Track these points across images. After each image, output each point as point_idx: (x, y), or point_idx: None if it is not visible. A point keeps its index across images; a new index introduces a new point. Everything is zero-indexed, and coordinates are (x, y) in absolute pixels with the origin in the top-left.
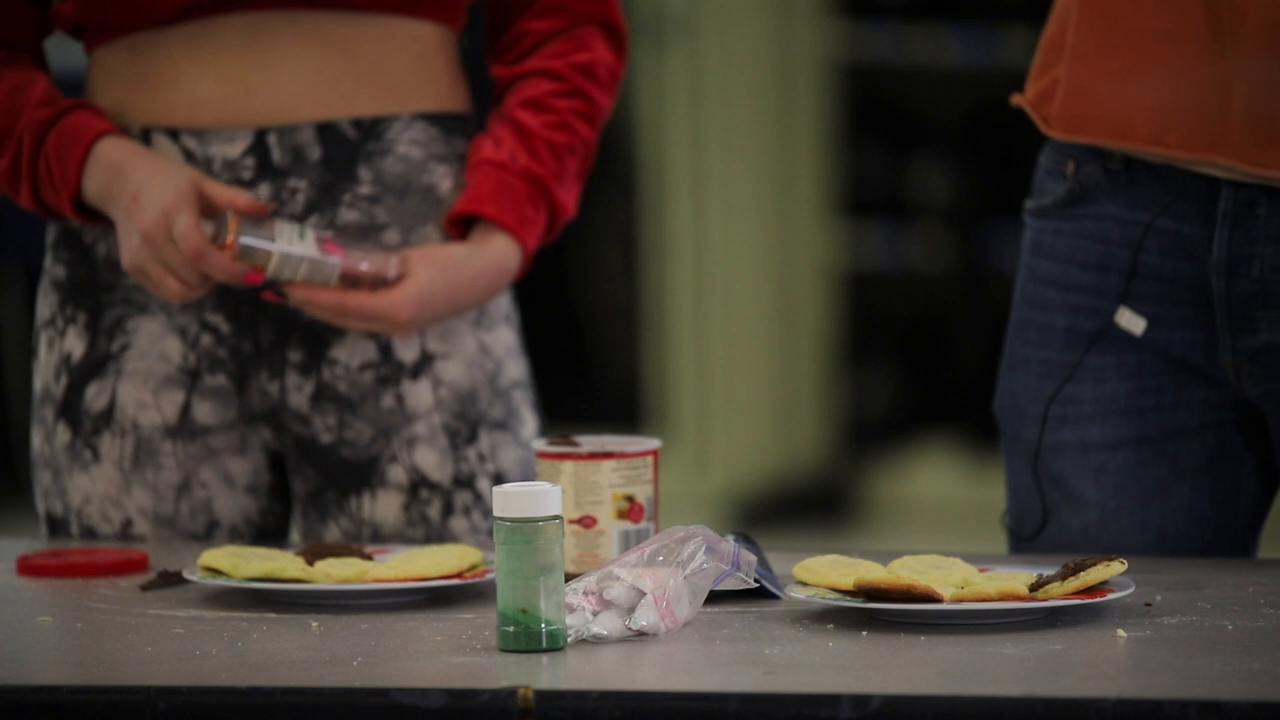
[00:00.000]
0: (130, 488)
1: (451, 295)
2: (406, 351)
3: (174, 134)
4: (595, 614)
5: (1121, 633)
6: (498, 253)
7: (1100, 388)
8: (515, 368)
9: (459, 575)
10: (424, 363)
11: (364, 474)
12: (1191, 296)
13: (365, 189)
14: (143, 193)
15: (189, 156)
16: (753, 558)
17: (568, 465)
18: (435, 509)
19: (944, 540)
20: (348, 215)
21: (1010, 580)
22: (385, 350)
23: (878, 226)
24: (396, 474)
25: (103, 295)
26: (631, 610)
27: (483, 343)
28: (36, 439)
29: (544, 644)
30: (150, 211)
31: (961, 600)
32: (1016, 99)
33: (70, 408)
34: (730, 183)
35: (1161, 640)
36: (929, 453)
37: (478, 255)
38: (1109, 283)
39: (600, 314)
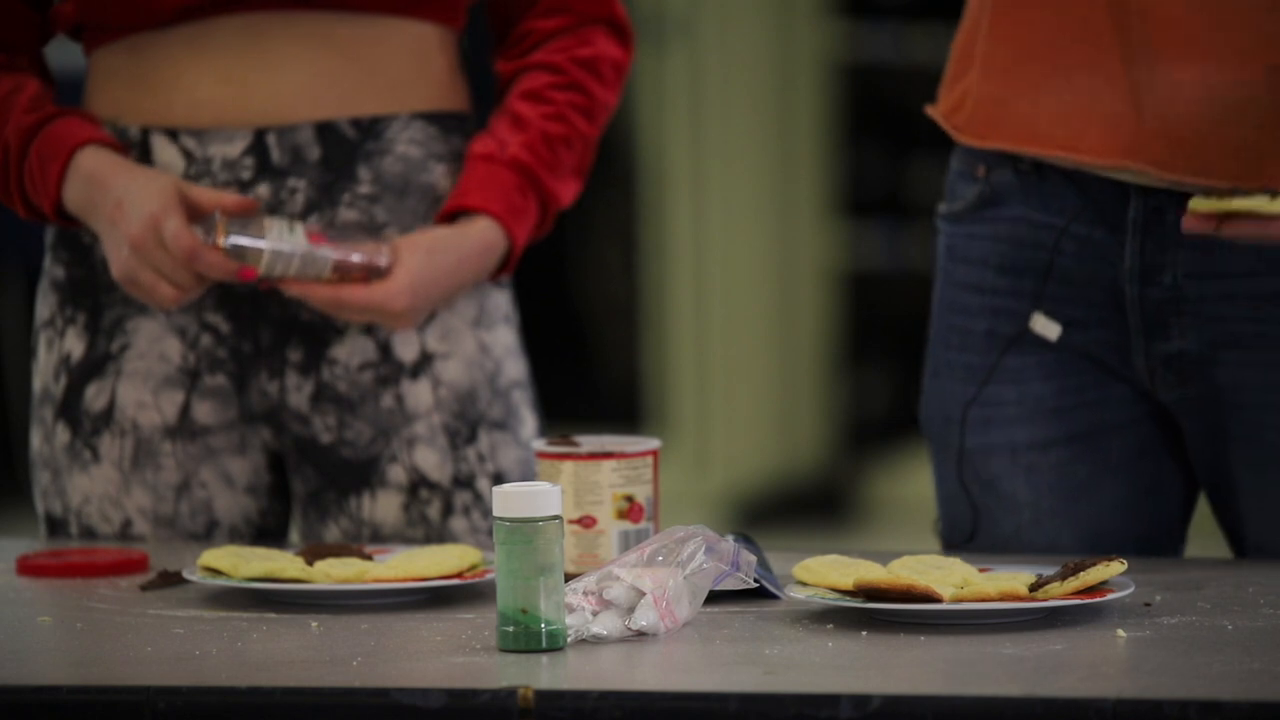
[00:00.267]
0: (130, 488)
1: (442, 279)
2: (406, 351)
3: (173, 134)
4: (595, 614)
5: (1121, 633)
6: (480, 233)
7: (1024, 388)
8: (515, 367)
9: (459, 575)
10: (423, 362)
11: (364, 474)
12: (1106, 300)
13: (364, 188)
14: (126, 201)
15: (188, 156)
16: (752, 558)
17: (567, 465)
18: (435, 509)
19: None
20: (347, 215)
21: (1010, 580)
22: (385, 350)
23: (878, 226)
24: (396, 474)
25: (102, 295)
26: (631, 610)
27: (482, 342)
28: (36, 439)
29: (544, 644)
30: (137, 219)
31: (961, 600)
32: (931, 110)
33: (70, 408)
34: (730, 182)
35: (1161, 640)
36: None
37: (461, 236)
38: (1024, 285)
39: (600, 314)
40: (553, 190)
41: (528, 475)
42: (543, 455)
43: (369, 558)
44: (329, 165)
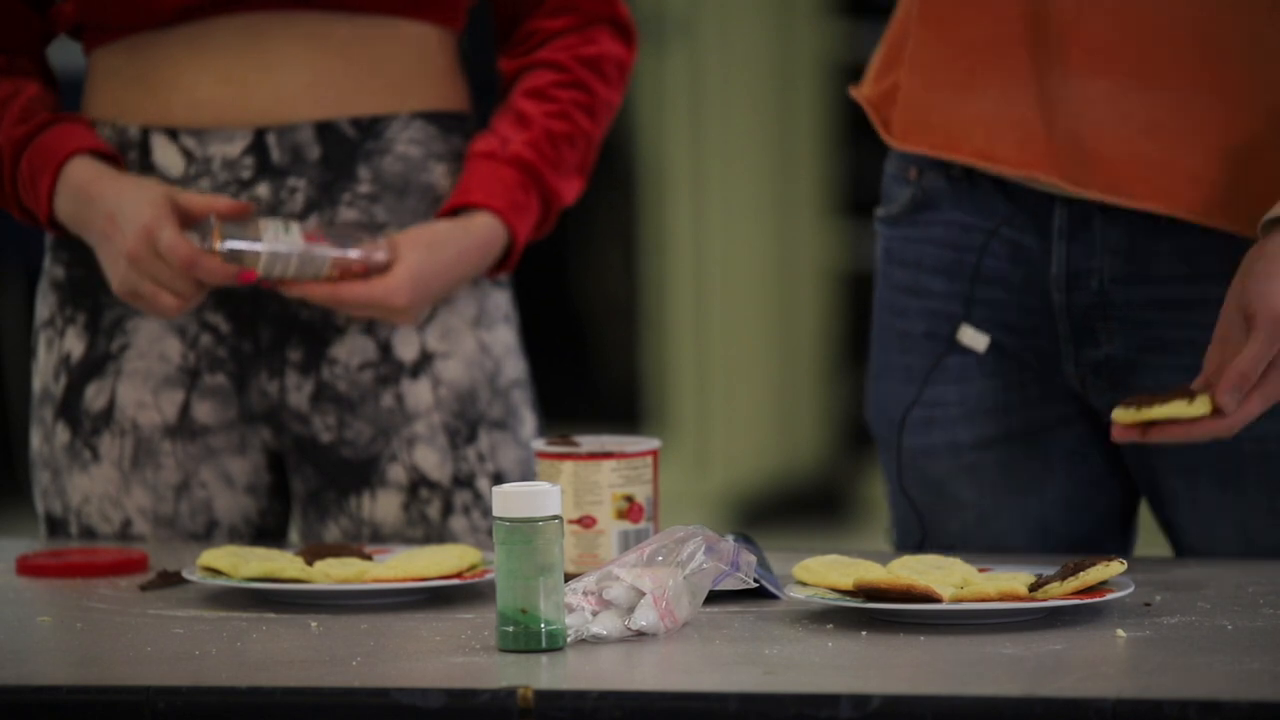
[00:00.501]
0: (129, 487)
1: (442, 274)
2: (406, 351)
3: (173, 133)
4: (595, 614)
5: (1121, 633)
6: (481, 228)
7: (964, 388)
8: (515, 367)
9: (458, 575)
10: (423, 362)
11: (364, 473)
12: (1038, 305)
13: (364, 188)
14: (118, 214)
15: (188, 156)
16: (752, 558)
17: (567, 465)
18: (435, 508)
19: None
20: (347, 214)
21: (1009, 580)
22: (385, 349)
23: None
24: (396, 473)
25: (102, 295)
26: (631, 610)
27: (482, 342)
28: (36, 439)
29: (543, 644)
30: (131, 231)
31: (961, 600)
32: (855, 93)
33: (69, 408)
34: (730, 182)
35: (1161, 640)
36: None
37: (462, 231)
38: (957, 289)
39: (600, 313)
40: (555, 188)
41: (528, 475)
42: (542, 455)
43: (368, 558)
44: (329, 165)
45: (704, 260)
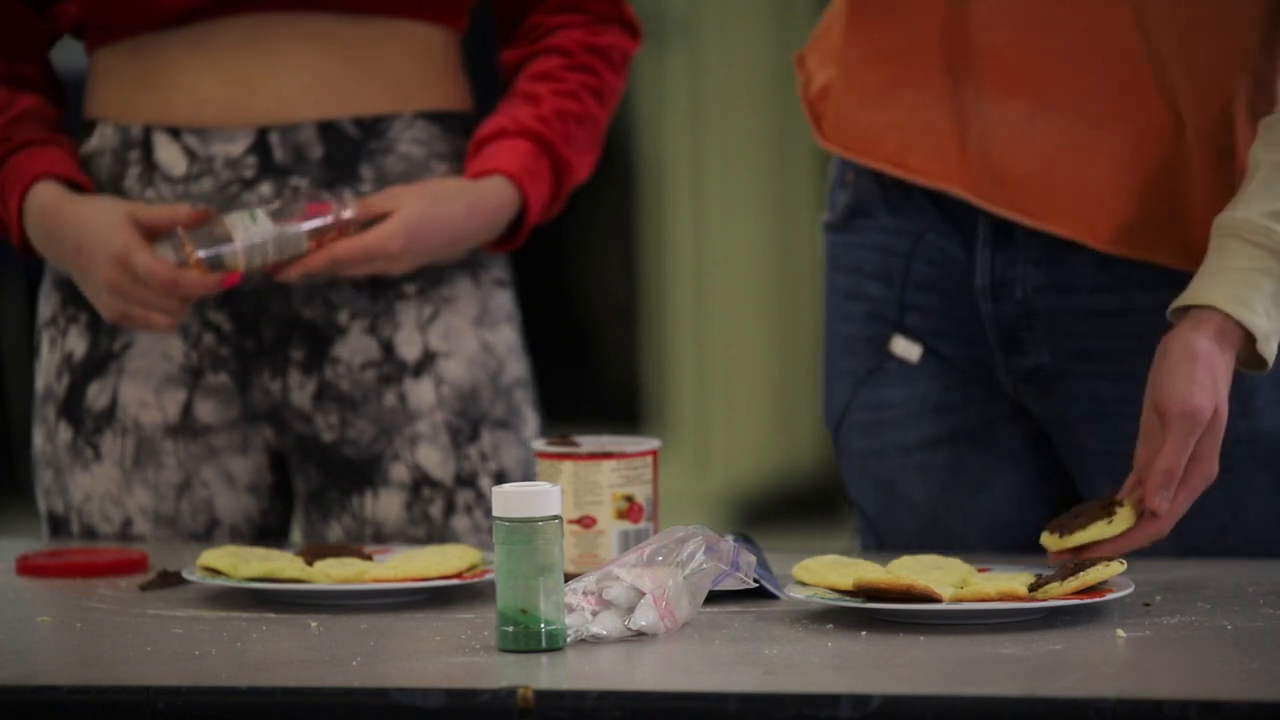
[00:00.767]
0: (131, 486)
1: (445, 226)
2: (409, 350)
3: (175, 132)
4: (595, 614)
5: (1121, 633)
6: (492, 188)
7: (907, 390)
8: (517, 366)
9: (458, 575)
10: (426, 361)
11: (366, 472)
12: (967, 313)
13: (367, 187)
14: (84, 245)
15: (190, 155)
16: (752, 558)
17: (567, 465)
18: (437, 507)
19: None
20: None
21: (1009, 580)
22: (387, 349)
23: None
24: (399, 472)
25: None
26: (631, 610)
27: (485, 341)
28: (38, 438)
29: (543, 644)
30: (103, 262)
31: (961, 600)
32: (802, 93)
33: (72, 406)
34: (730, 182)
35: (1161, 640)
36: None
37: (473, 188)
38: (893, 294)
39: (600, 314)
40: (567, 158)
41: (530, 474)
42: (542, 455)
43: (368, 558)
44: (331, 164)
45: (704, 260)
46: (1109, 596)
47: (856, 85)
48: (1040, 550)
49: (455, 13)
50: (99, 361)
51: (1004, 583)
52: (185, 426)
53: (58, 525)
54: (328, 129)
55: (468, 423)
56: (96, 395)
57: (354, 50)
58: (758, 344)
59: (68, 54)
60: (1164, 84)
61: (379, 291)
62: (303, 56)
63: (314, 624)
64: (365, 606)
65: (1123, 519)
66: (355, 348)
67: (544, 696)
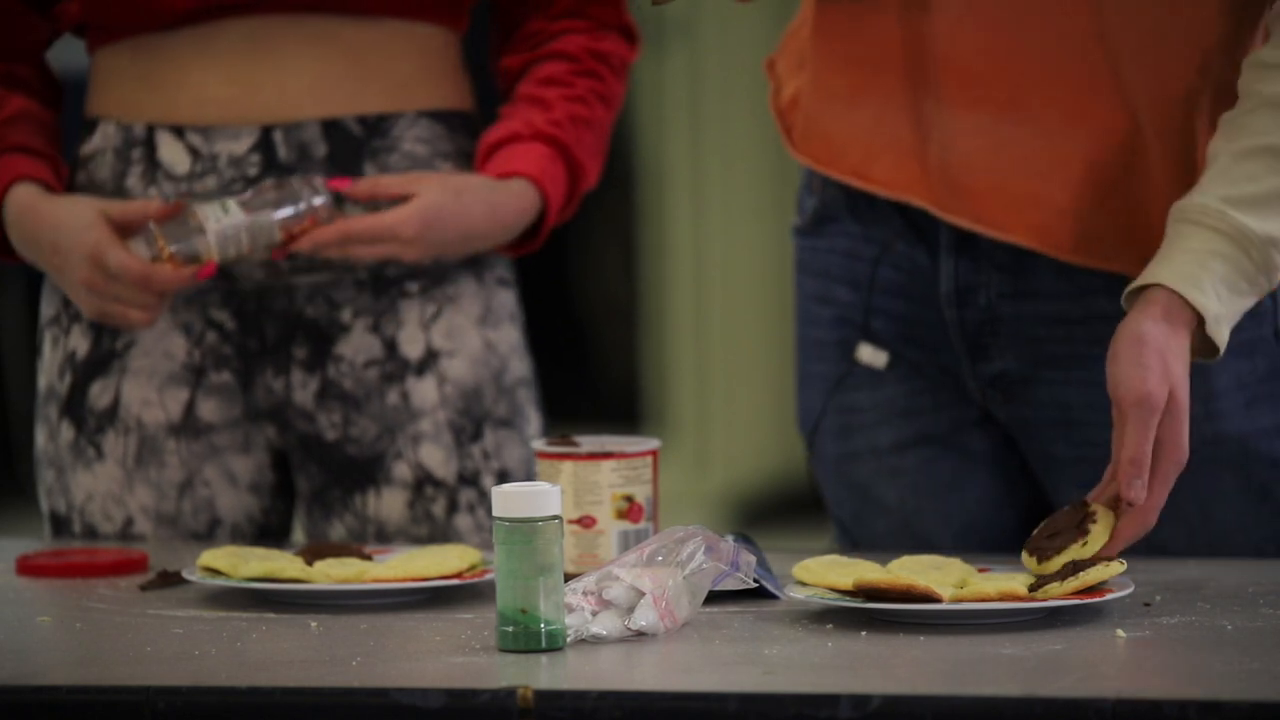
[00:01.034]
0: (133, 486)
1: (463, 222)
2: (412, 348)
3: (179, 131)
4: (594, 614)
5: (1121, 633)
6: (517, 191)
7: (877, 394)
8: (520, 366)
9: (458, 575)
10: (429, 360)
11: (369, 471)
12: (933, 319)
13: None
14: (60, 245)
15: (194, 154)
16: (752, 558)
17: (567, 465)
18: (440, 506)
19: None
20: (353, 212)
21: (1008, 580)
22: (390, 347)
23: None
24: (401, 471)
25: None
26: (631, 610)
27: (488, 340)
28: (41, 437)
29: (543, 644)
30: (77, 261)
31: (961, 600)
32: (772, 102)
33: (74, 406)
34: (730, 183)
35: (1161, 640)
36: None
37: (499, 187)
38: (861, 298)
39: (600, 314)
40: (581, 162)
41: (533, 474)
42: (542, 455)
43: (369, 558)
44: (335, 162)
45: (704, 260)
46: (1109, 596)
47: (824, 93)
48: (1015, 553)
49: (456, 13)
50: (101, 360)
51: (1004, 583)
52: (187, 425)
53: (59, 525)
54: (331, 127)
55: (470, 421)
56: (99, 394)
57: (356, 51)
58: (757, 344)
59: (68, 53)
60: (1124, 92)
61: (382, 290)
62: (305, 57)
63: (314, 624)
64: (365, 606)
65: (1097, 536)
66: (358, 346)
67: (544, 696)
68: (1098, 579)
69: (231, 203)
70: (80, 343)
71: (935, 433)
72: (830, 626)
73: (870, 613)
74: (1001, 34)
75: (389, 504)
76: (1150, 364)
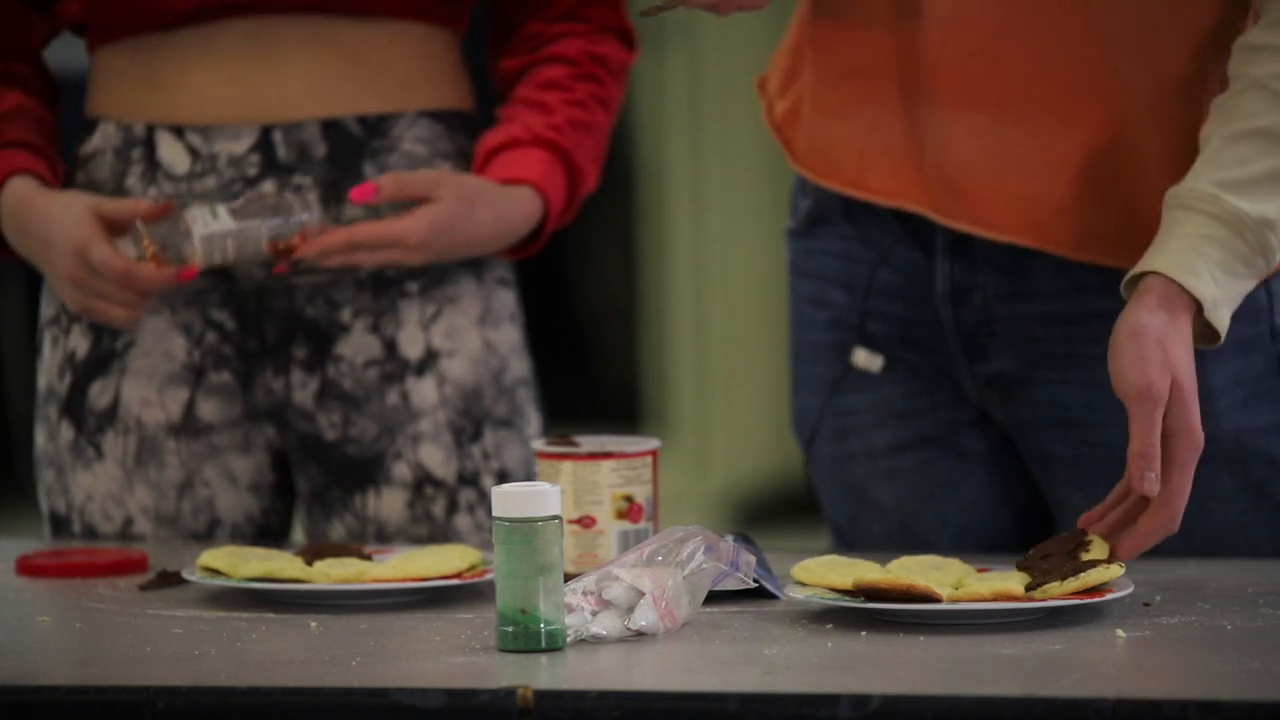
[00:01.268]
0: (133, 486)
1: (470, 231)
2: (411, 348)
3: (179, 131)
4: (594, 614)
5: (1121, 633)
6: (522, 199)
7: (874, 395)
8: (520, 366)
9: (458, 575)
10: (429, 360)
11: (369, 471)
12: (929, 319)
13: None
14: (49, 237)
15: (194, 154)
16: (752, 558)
17: (567, 465)
18: (440, 506)
19: None
20: (353, 212)
21: (1003, 580)
22: (390, 347)
23: None
24: (401, 471)
25: None
26: (631, 610)
27: (488, 340)
28: (40, 437)
29: (543, 644)
30: (64, 255)
31: (957, 600)
32: (767, 117)
33: (74, 406)
34: (730, 183)
35: (1161, 640)
36: None
37: (504, 197)
38: (855, 302)
39: (600, 314)
40: (581, 167)
41: (532, 474)
42: (542, 455)
43: (368, 558)
44: (335, 162)
45: (704, 261)
46: (1109, 596)
47: (820, 107)
48: (1011, 553)
49: (456, 14)
50: (101, 360)
51: (999, 583)
52: (187, 425)
53: (59, 525)
54: (331, 127)
55: (470, 422)
56: (99, 394)
57: (356, 52)
58: (757, 344)
59: (68, 53)
60: (1119, 86)
61: (382, 290)
62: (305, 58)
63: (314, 624)
64: (365, 606)
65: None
66: (358, 346)
67: (544, 696)
68: (1097, 580)
69: (222, 209)
70: (80, 343)
71: (931, 434)
72: (830, 626)
73: (870, 613)
74: (993, 35)
75: (388, 504)
76: (1149, 355)
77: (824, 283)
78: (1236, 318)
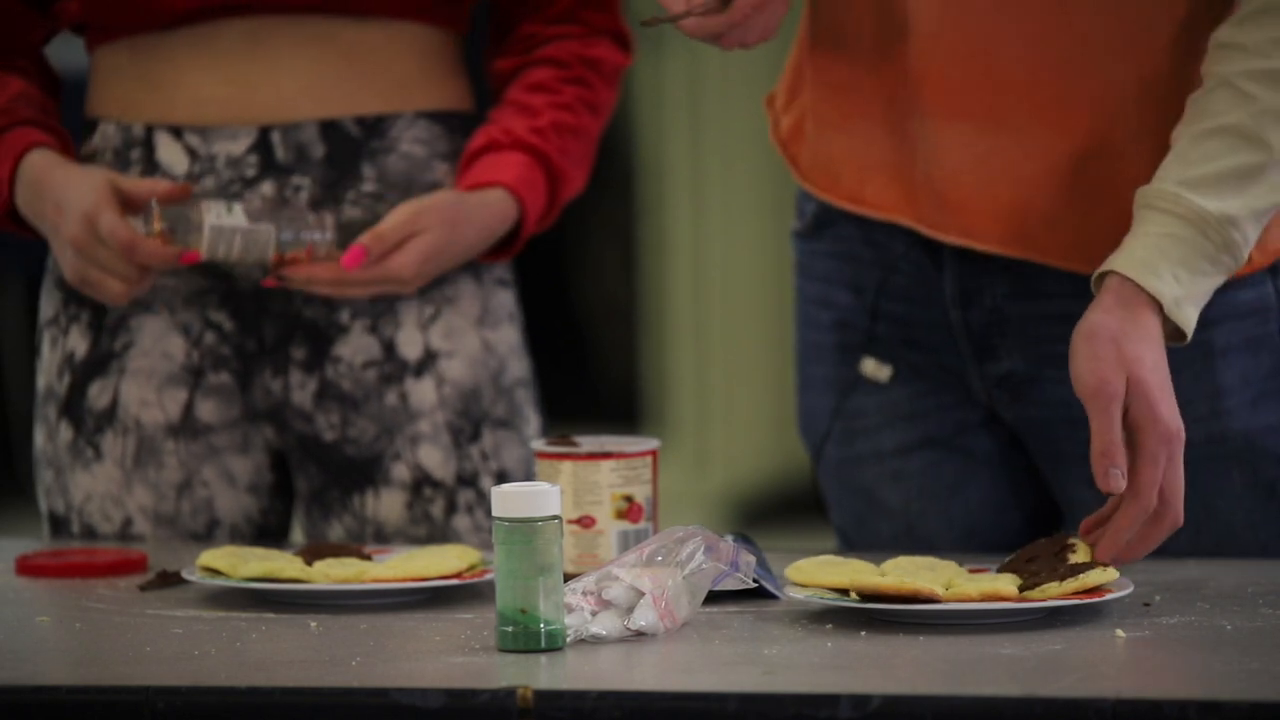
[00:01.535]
0: (132, 486)
1: (458, 250)
2: (410, 349)
3: (177, 131)
4: (594, 614)
5: (1120, 633)
6: (497, 203)
7: (882, 396)
8: (519, 366)
9: (458, 575)
10: (427, 360)
11: (367, 472)
12: (938, 320)
13: (369, 186)
14: (63, 203)
15: (192, 154)
16: (752, 558)
17: (566, 465)
18: (438, 507)
19: None
20: (351, 212)
21: (992, 581)
22: (389, 348)
23: None
24: (400, 472)
25: None
26: (630, 610)
27: (486, 341)
28: (39, 437)
29: (543, 644)
30: (73, 218)
31: (961, 600)
32: (773, 135)
33: (73, 406)
34: (729, 183)
35: (1160, 640)
36: None
37: (483, 207)
38: (864, 302)
39: (600, 314)
40: (563, 170)
41: (531, 474)
42: (542, 455)
43: (368, 558)
44: (333, 163)
45: (703, 261)
46: (1109, 596)
47: (821, 121)
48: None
49: (456, 14)
50: (100, 361)
51: (988, 583)
52: (186, 426)
53: (58, 525)
54: (329, 128)
55: (469, 422)
56: (98, 395)
57: (355, 52)
58: (757, 345)
59: (68, 53)
60: (1104, 90)
61: None
62: (304, 58)
63: (314, 624)
64: (365, 606)
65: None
66: (356, 347)
67: (543, 696)
68: (1097, 581)
69: (238, 206)
70: (79, 343)
71: (939, 435)
72: (830, 626)
73: (870, 613)
74: (977, 44)
75: (387, 505)
76: (1102, 354)
77: (829, 284)
78: (1243, 317)
